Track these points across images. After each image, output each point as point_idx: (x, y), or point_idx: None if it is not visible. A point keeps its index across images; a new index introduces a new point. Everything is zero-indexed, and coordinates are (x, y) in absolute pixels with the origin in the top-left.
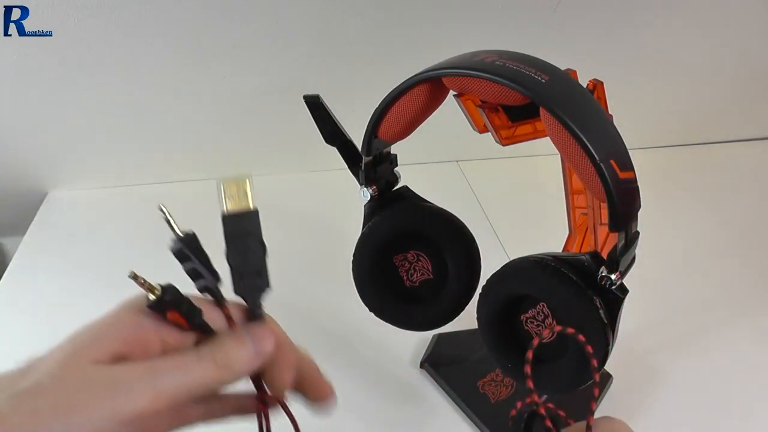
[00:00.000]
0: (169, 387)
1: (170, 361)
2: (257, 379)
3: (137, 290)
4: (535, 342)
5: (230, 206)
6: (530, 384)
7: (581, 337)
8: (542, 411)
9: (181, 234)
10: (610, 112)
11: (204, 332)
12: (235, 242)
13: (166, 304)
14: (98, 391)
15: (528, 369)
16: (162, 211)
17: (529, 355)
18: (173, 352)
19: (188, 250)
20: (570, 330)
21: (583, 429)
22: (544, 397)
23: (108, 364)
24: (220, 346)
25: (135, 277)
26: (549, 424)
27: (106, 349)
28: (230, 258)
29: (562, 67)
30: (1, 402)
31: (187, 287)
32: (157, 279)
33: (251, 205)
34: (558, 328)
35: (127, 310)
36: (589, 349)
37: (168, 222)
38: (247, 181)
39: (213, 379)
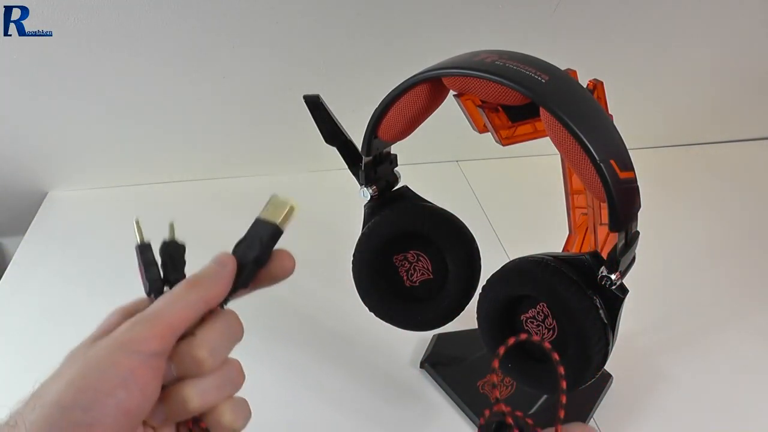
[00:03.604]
0: (161, 315)
1: (153, 304)
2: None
3: (137, 291)
4: (495, 364)
5: (263, 213)
6: (496, 393)
7: (547, 344)
8: (510, 420)
9: (139, 242)
10: (610, 112)
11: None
12: (246, 239)
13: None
14: (102, 342)
15: (495, 378)
16: (136, 223)
17: (494, 379)
18: None
19: (139, 255)
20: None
21: None
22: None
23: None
24: (193, 275)
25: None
26: None
27: (93, 339)
28: (237, 246)
29: (562, 67)
30: (30, 395)
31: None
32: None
33: (277, 222)
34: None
35: (104, 319)
36: (556, 356)
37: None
38: (291, 206)
39: (197, 297)
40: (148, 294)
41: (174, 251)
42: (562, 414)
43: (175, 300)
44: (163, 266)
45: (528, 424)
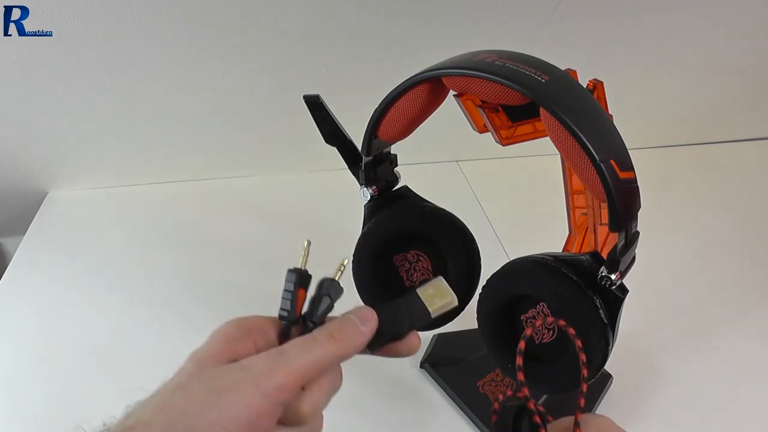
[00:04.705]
0: (299, 364)
1: (292, 345)
2: None
3: (141, 291)
4: (528, 332)
5: (422, 292)
6: (521, 377)
7: (571, 330)
8: (532, 406)
9: (297, 267)
10: (610, 112)
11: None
12: (394, 306)
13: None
14: (237, 374)
15: (520, 361)
16: (306, 246)
17: (521, 345)
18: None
19: (293, 279)
20: (561, 322)
21: (571, 425)
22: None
23: (228, 363)
24: (335, 326)
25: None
26: (538, 420)
27: (218, 353)
28: (383, 308)
29: (562, 67)
30: (154, 402)
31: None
32: (157, 277)
33: (431, 310)
34: (551, 319)
35: (221, 328)
36: (579, 343)
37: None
38: (451, 302)
39: (334, 354)
40: (280, 318)
41: (330, 293)
42: (581, 402)
43: (314, 350)
44: (312, 302)
45: (544, 413)
